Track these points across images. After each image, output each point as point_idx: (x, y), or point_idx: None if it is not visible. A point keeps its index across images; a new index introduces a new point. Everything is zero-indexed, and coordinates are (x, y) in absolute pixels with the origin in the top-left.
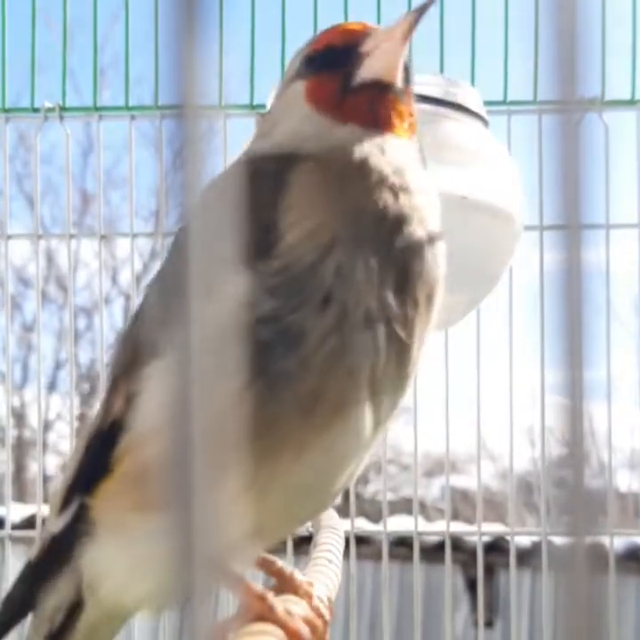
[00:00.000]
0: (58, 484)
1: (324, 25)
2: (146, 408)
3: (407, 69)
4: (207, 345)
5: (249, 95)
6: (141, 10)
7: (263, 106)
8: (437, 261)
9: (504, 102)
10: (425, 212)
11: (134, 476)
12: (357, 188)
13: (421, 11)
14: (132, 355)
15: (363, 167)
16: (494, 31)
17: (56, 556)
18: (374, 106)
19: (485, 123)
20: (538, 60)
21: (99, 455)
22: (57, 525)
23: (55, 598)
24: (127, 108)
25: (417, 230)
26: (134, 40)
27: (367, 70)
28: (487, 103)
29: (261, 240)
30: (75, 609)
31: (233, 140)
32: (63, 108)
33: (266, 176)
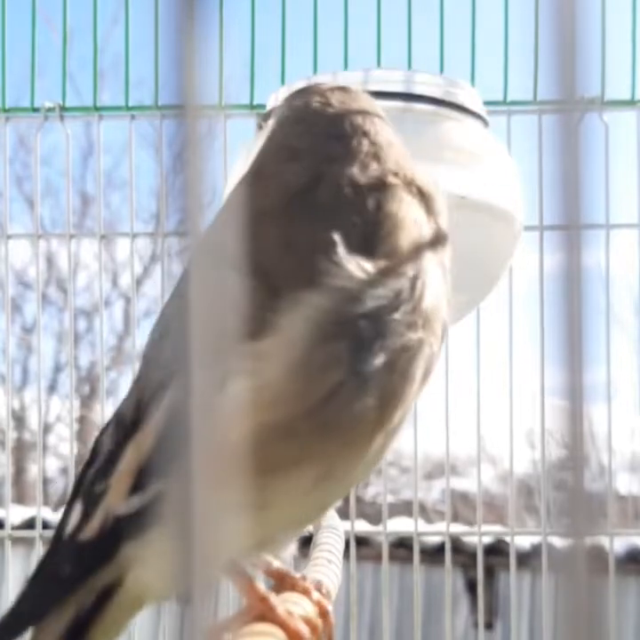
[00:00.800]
0: (121, 460)
1: (324, 25)
2: (237, 389)
3: None
4: (314, 331)
5: (249, 95)
6: (141, 11)
7: (263, 106)
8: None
9: (504, 102)
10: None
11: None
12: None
13: None
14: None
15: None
16: (494, 31)
17: (116, 538)
18: None
19: (485, 123)
20: (538, 60)
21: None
22: (126, 507)
23: (92, 581)
24: (127, 108)
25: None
26: (134, 42)
27: None
28: (487, 103)
29: (364, 241)
30: (107, 593)
31: (233, 141)
32: (63, 108)
33: (369, 188)
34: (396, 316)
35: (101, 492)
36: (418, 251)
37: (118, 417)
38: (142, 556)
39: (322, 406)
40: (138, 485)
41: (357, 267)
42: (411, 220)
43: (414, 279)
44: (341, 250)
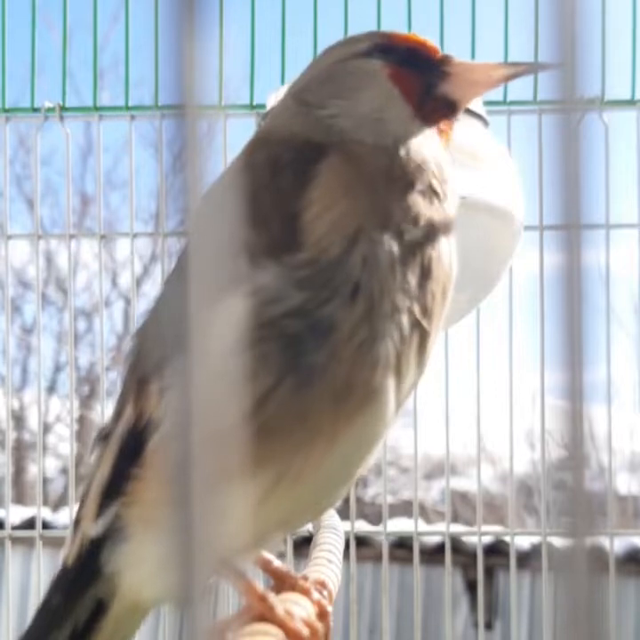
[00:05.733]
0: (91, 487)
1: (324, 25)
2: (174, 403)
3: None
4: (233, 342)
5: (249, 95)
6: (141, 11)
7: (263, 106)
8: (452, 257)
9: (504, 102)
10: (449, 213)
11: (163, 472)
12: (392, 183)
13: (527, 70)
14: (161, 350)
15: (411, 164)
16: (494, 31)
17: (94, 559)
18: (443, 120)
19: (485, 123)
20: (538, 60)
21: (132, 455)
22: (95, 530)
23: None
24: (127, 108)
25: (439, 228)
26: (134, 42)
27: (453, 88)
28: (487, 103)
29: (286, 232)
30: (99, 606)
31: (233, 141)
32: (63, 108)
33: (290, 165)
34: (328, 307)
35: (79, 517)
36: (354, 233)
37: (99, 434)
38: (126, 566)
39: (259, 409)
40: (102, 507)
41: (273, 265)
42: (342, 202)
43: (347, 268)
44: (256, 249)
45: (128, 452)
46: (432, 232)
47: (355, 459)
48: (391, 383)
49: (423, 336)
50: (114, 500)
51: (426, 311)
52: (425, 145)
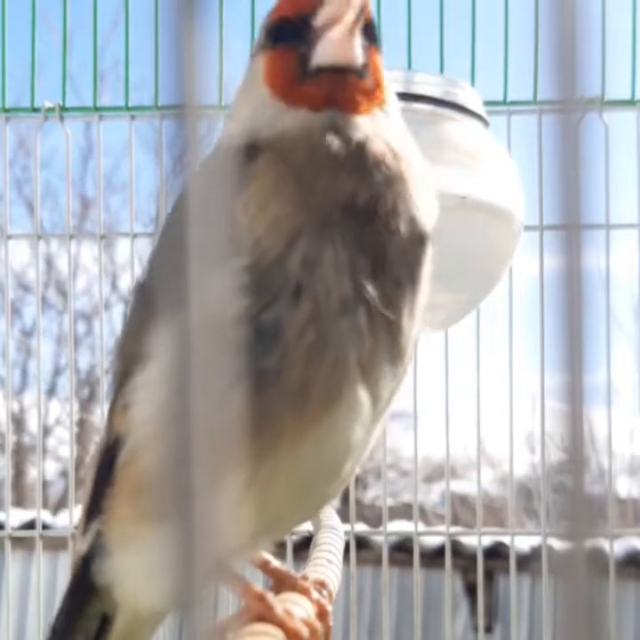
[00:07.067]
0: (83, 503)
1: None
2: (137, 419)
3: (371, 30)
4: (188, 350)
5: None
6: (141, 12)
7: None
8: (417, 229)
9: (504, 102)
10: (401, 173)
11: (132, 487)
12: (315, 173)
13: None
14: (124, 366)
15: (318, 151)
16: (494, 31)
17: (86, 575)
18: (332, 91)
19: (485, 123)
20: (538, 60)
21: (107, 472)
22: (83, 547)
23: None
24: (127, 108)
25: (387, 202)
26: (134, 43)
27: (322, 55)
28: (487, 103)
29: (228, 238)
30: (105, 620)
31: None
32: (63, 108)
33: (228, 170)
34: (272, 311)
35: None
36: (293, 232)
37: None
38: (115, 580)
39: (216, 416)
40: (87, 524)
41: (218, 271)
42: (275, 202)
43: (286, 269)
44: (212, 255)
45: (103, 469)
46: (381, 208)
47: (332, 461)
48: (357, 382)
49: (392, 328)
50: (95, 517)
51: (389, 300)
52: (311, 128)
